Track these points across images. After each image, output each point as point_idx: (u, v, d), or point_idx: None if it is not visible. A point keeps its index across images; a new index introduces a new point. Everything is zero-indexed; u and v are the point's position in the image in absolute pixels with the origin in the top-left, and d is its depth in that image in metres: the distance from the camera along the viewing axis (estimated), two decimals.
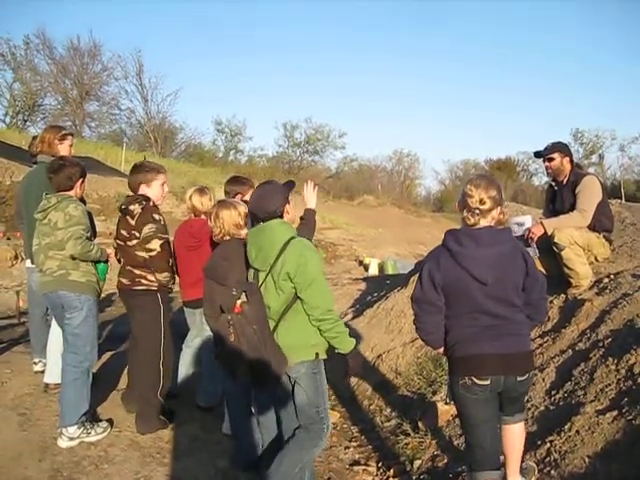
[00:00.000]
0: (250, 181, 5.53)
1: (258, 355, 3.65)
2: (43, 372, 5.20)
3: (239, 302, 3.73)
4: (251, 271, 3.78)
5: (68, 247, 4.41)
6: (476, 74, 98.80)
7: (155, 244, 4.56)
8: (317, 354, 3.66)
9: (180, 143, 46.05)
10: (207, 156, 43.52)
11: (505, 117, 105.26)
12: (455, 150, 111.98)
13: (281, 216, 3.75)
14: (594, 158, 48.95)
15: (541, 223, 5.62)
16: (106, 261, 4.73)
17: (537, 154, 6.02)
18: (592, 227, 5.60)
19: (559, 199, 5.87)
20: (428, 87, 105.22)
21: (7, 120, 35.14)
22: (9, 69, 35.12)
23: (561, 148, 5.85)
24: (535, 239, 5.51)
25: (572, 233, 5.45)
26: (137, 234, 4.60)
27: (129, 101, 49.84)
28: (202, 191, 5.31)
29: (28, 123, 36.04)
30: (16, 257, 13.08)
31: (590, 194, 5.59)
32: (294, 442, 3.76)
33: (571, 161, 5.84)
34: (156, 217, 4.62)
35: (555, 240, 5.43)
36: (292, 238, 3.66)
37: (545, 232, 5.52)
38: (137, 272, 4.65)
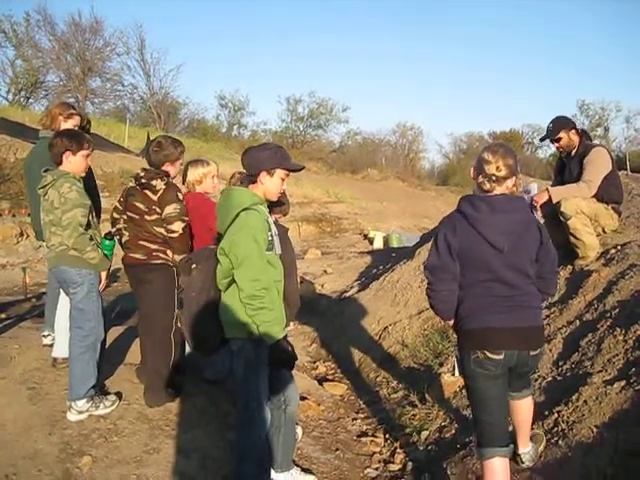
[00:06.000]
0: None
1: (195, 321, 3.67)
2: (51, 346, 5.22)
3: (193, 266, 3.73)
4: None
5: (65, 235, 4.37)
6: (479, 49, 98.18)
7: (178, 226, 4.51)
8: (251, 333, 3.54)
9: (183, 118, 45.85)
10: (210, 131, 43.24)
11: (509, 90, 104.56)
12: (459, 123, 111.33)
13: (255, 181, 3.65)
14: (599, 130, 48.57)
15: (547, 189, 5.59)
16: (112, 238, 4.68)
17: (543, 139, 6.04)
18: (600, 198, 5.56)
19: (567, 170, 5.81)
20: (431, 62, 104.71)
21: (10, 97, 34.95)
22: (11, 46, 34.89)
23: (563, 124, 5.77)
24: (538, 206, 5.48)
25: (579, 202, 5.41)
26: (158, 210, 4.54)
27: (132, 77, 49.69)
28: (188, 163, 5.10)
29: (31, 100, 35.84)
30: (21, 234, 13.10)
31: (597, 165, 5.54)
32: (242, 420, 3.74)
33: (577, 131, 5.77)
34: (180, 197, 4.58)
35: (561, 209, 5.40)
36: (244, 209, 3.52)
37: (550, 199, 5.48)
38: (154, 247, 4.60)
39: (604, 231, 5.82)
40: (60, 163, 4.52)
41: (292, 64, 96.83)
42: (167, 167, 4.72)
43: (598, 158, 5.57)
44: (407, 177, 43.20)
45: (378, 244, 18.73)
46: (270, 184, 3.66)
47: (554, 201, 5.47)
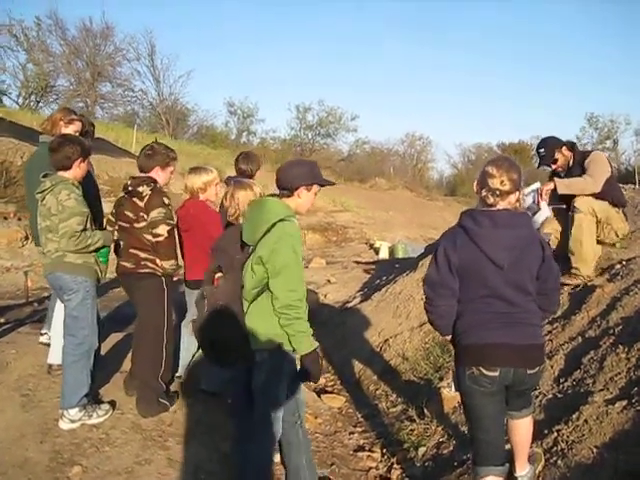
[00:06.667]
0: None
1: (220, 332, 3.62)
2: (48, 345, 5.20)
3: (217, 275, 3.71)
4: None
5: (62, 243, 4.35)
6: (489, 60, 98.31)
7: (162, 229, 4.51)
8: (280, 344, 3.51)
9: (192, 125, 45.86)
10: (219, 138, 43.25)
11: (518, 101, 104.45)
12: (468, 134, 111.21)
13: (291, 194, 3.63)
14: (608, 143, 48.37)
15: (553, 179, 5.65)
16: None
17: (540, 165, 6.08)
18: (610, 201, 5.57)
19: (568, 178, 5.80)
20: (441, 72, 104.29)
21: (20, 101, 35.14)
22: (22, 50, 35.06)
23: (554, 145, 5.80)
24: (543, 195, 5.54)
25: (592, 202, 5.45)
26: (146, 216, 4.55)
27: (141, 82, 49.80)
28: (190, 170, 5.17)
29: (41, 104, 35.96)
30: (27, 237, 13.10)
31: (599, 165, 5.58)
32: (255, 430, 3.64)
33: (567, 147, 5.79)
34: (166, 201, 4.58)
35: (575, 204, 5.45)
36: (280, 220, 3.49)
37: (555, 189, 5.53)
38: (143, 255, 4.60)
39: (617, 235, 5.78)
40: (67, 168, 4.49)
41: (301, 72, 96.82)
42: (157, 172, 4.73)
43: (599, 160, 5.63)
44: (415, 187, 43.07)
45: (384, 254, 18.60)
46: (306, 198, 3.68)
47: (559, 191, 5.52)
